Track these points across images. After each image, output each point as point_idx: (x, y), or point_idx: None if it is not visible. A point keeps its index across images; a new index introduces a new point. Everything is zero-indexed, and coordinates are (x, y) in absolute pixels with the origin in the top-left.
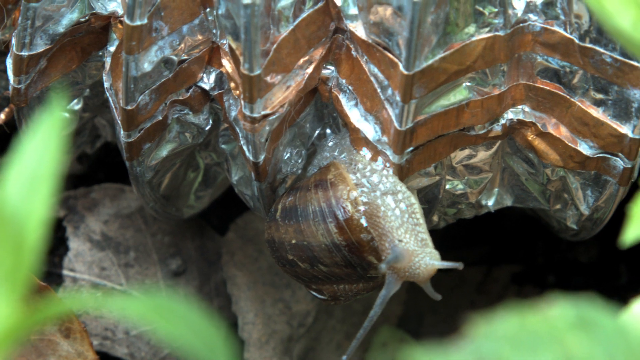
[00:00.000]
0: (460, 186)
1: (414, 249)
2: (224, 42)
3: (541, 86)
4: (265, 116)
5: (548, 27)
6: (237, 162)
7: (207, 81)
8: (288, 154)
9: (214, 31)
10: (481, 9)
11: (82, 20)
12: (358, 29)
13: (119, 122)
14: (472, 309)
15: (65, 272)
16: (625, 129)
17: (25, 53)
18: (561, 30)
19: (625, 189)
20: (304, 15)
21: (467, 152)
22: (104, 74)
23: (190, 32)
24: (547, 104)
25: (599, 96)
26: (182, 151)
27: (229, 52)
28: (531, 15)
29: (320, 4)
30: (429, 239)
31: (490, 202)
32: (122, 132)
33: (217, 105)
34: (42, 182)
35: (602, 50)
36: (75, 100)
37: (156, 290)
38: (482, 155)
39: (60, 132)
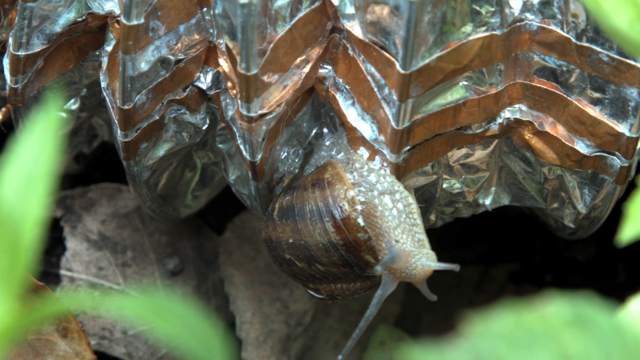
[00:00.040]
0: (458, 185)
1: (411, 249)
2: (221, 41)
3: (538, 85)
4: (262, 115)
5: (545, 26)
6: (234, 161)
7: (204, 81)
8: (285, 153)
9: (211, 31)
10: (478, 8)
11: (79, 19)
12: (355, 28)
13: (116, 121)
14: (469, 308)
15: (62, 272)
16: (622, 128)
17: (22, 53)
18: (558, 30)
19: (622, 188)
20: (300, 14)
21: (464, 151)
22: (100, 74)
23: (187, 31)
24: (544, 102)
25: (596, 95)
26: (179, 151)
27: (226, 51)
28: (528, 15)
29: (317, 4)
30: (426, 240)
31: (488, 201)
32: (119, 131)
33: (214, 105)
34: (38, 182)
35: (599, 49)
36: (72, 100)
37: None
38: (479, 154)
39: (57, 131)
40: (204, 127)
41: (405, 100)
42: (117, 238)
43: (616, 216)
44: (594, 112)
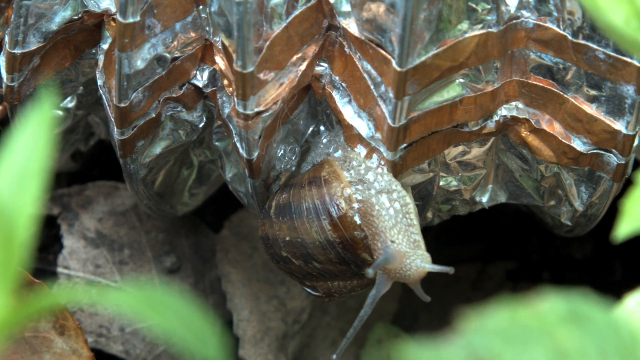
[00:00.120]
0: (454, 183)
1: (406, 250)
2: (217, 39)
3: (534, 83)
4: (259, 113)
5: (541, 23)
6: (231, 159)
7: (201, 78)
8: (282, 151)
9: (207, 28)
10: (474, 5)
11: (75, 18)
12: (351, 25)
13: (113, 119)
14: (466, 306)
15: (59, 269)
16: (618, 125)
17: (18, 51)
18: (554, 27)
19: (619, 185)
20: (296, 12)
21: (460, 148)
22: (97, 72)
23: (183, 29)
24: (541, 100)
25: (593, 92)
26: (175, 148)
27: (222, 49)
28: (524, 12)
29: (313, 1)
30: (422, 241)
31: (485, 199)
32: (115, 129)
33: (210, 103)
34: (31, 177)
35: (595, 46)
36: (69, 98)
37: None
38: (476, 151)
39: (50, 127)
40: (201, 125)
41: (401, 98)
42: (114, 236)
43: (613, 214)
44: (590, 109)
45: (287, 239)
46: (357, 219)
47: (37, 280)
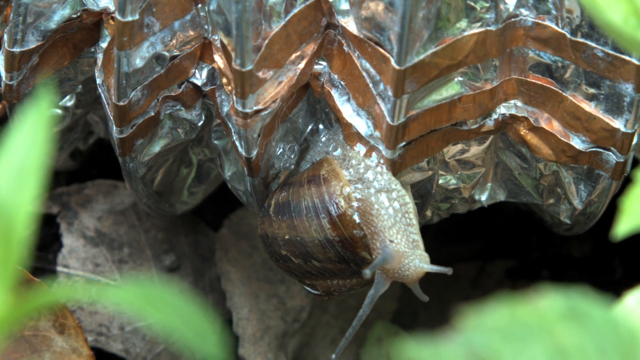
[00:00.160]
0: (453, 181)
1: (405, 250)
2: (216, 37)
3: (533, 81)
4: (258, 111)
5: (540, 21)
6: (230, 157)
7: (199, 77)
8: (281, 150)
9: (206, 27)
10: (472, 3)
11: (74, 16)
12: (350, 24)
13: (112, 118)
14: (466, 304)
15: (59, 268)
16: (617, 123)
17: (17, 49)
18: (553, 25)
19: (618, 183)
20: (295, 10)
21: (459, 146)
22: (96, 70)
23: (182, 28)
24: (539, 98)
25: (591, 90)
26: (174, 147)
27: (221, 47)
28: (523, 10)
29: (311, 0)
30: (420, 241)
31: (484, 197)
32: (114, 128)
33: (209, 101)
34: (29, 175)
35: (593, 44)
36: (68, 97)
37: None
38: (475, 150)
39: (49, 125)
40: (200, 124)
41: (400, 96)
42: (113, 234)
43: (612, 212)
44: (589, 107)
45: (287, 237)
46: (356, 217)
47: (36, 279)
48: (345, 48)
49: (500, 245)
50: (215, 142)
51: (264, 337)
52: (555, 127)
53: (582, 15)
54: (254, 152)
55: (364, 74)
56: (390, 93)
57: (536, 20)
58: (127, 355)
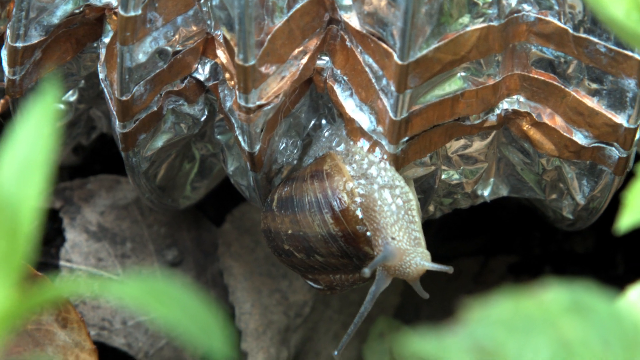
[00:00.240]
0: (456, 176)
1: (406, 248)
2: (219, 33)
3: (536, 76)
4: (260, 106)
5: (542, 17)
6: (233, 152)
7: (202, 72)
8: (283, 145)
9: (209, 22)
10: None
11: (77, 11)
12: (352, 19)
13: (114, 112)
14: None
15: (62, 263)
16: (620, 119)
17: (19, 44)
18: (555, 21)
19: (620, 179)
20: (298, 5)
21: (462, 142)
22: (98, 65)
23: (185, 23)
24: (542, 94)
25: (594, 86)
26: (177, 142)
27: (224, 43)
28: (525, 6)
29: None
30: (422, 238)
31: (486, 192)
32: (117, 122)
33: (212, 96)
34: (35, 169)
35: (596, 40)
36: (71, 92)
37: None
38: (478, 145)
39: (53, 119)
40: (203, 119)
41: (403, 91)
42: (116, 229)
43: (615, 207)
44: (591, 103)
45: (290, 232)
46: (359, 213)
47: (39, 273)
48: (348, 43)
49: (503, 241)
50: (218, 137)
51: (267, 332)
52: (557, 122)
53: (585, 11)
54: (257, 147)
55: (367, 69)
56: (393, 88)
57: (539, 16)
58: (130, 349)
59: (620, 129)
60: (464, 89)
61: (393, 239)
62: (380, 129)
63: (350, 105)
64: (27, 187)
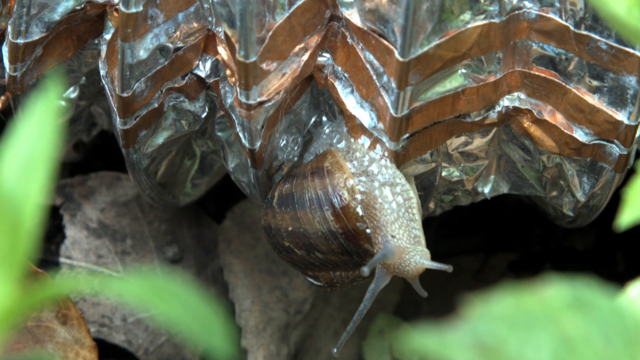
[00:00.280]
0: (457, 173)
1: (406, 246)
2: (220, 29)
3: (537, 73)
4: (261, 103)
5: (543, 14)
6: (233, 149)
7: (203, 69)
8: (284, 141)
9: (210, 19)
10: None
11: (78, 8)
12: (353, 16)
13: (115, 109)
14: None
15: (62, 259)
16: (620, 116)
17: (21, 41)
18: (556, 18)
19: (621, 176)
20: (299, 2)
21: (463, 139)
22: (99, 62)
23: (186, 19)
24: (543, 91)
25: (595, 83)
26: (178, 139)
27: (225, 39)
28: (526, 3)
29: None
30: (422, 237)
31: (487, 189)
32: (118, 119)
33: (213, 93)
34: (37, 165)
35: (597, 37)
36: (72, 88)
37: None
38: (478, 142)
39: (56, 115)
40: (203, 115)
41: (404, 88)
42: (116, 226)
43: (615, 205)
44: (592, 100)
45: (290, 229)
46: (359, 210)
47: (40, 270)
48: (349, 40)
49: (503, 238)
50: (219, 133)
51: (267, 329)
52: (558, 119)
53: (586, 8)
54: (258, 144)
55: (368, 66)
56: (394, 85)
57: (540, 13)
58: (130, 346)
59: (620, 126)
60: (465, 85)
61: (393, 236)
62: (381, 125)
63: (351, 102)
64: (29, 183)
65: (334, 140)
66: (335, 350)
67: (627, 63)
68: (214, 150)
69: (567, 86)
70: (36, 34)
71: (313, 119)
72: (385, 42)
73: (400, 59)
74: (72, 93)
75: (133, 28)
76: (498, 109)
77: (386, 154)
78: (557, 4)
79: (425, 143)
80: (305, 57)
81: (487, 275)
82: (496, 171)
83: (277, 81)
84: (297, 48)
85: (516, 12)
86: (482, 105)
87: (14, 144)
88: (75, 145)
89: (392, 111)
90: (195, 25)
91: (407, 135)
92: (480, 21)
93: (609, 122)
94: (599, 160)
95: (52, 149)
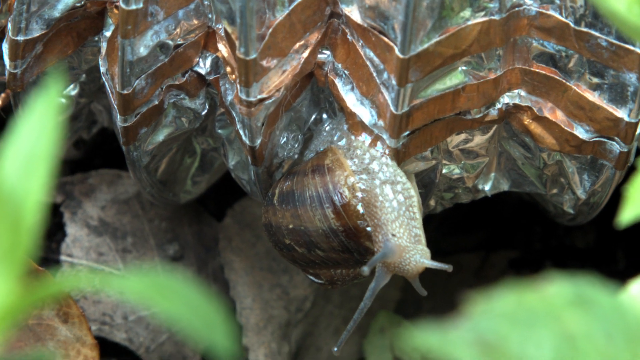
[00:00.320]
0: (457, 170)
1: (406, 245)
2: (220, 26)
3: (537, 70)
4: (262, 100)
5: (543, 11)
6: (234, 147)
7: (203, 66)
8: (284, 139)
9: (210, 16)
10: None
11: (78, 5)
12: (353, 13)
13: (115, 106)
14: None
15: (63, 257)
16: (621, 113)
17: (21, 38)
18: (556, 14)
19: (621, 173)
20: None
21: (463, 136)
22: (100, 59)
23: (186, 16)
24: (543, 88)
25: (595, 80)
26: (178, 136)
27: (225, 36)
28: (526, 0)
29: None
30: (423, 235)
31: (487, 187)
32: (118, 116)
33: (213, 90)
34: (38, 162)
35: (597, 34)
36: (72, 86)
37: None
38: (479, 139)
39: (57, 112)
40: (204, 113)
41: (404, 85)
42: (117, 224)
43: (616, 202)
44: (592, 97)
45: (290, 226)
46: (360, 208)
47: (40, 268)
48: (349, 37)
49: (504, 236)
50: (219, 131)
51: (267, 327)
52: (559, 116)
53: (586, 5)
54: (258, 141)
55: (368, 62)
56: (394, 82)
57: (540, 10)
58: (131, 344)
59: (621, 123)
60: (465, 82)
61: (393, 235)
62: (381, 123)
63: (351, 99)
64: (30, 181)
65: (335, 138)
66: (335, 348)
67: (628, 60)
68: (215, 147)
69: (568, 83)
70: (36, 31)
71: (313, 117)
72: (386, 39)
73: (401, 56)
74: (73, 90)
75: (133, 25)
76: (498, 106)
77: (387, 151)
78: (557, 1)
79: (426, 140)
80: (306, 54)
81: (488, 272)
82: (497, 168)
83: (278, 78)
84: (297, 45)
85: (516, 9)
86: (482, 103)
87: (14, 141)
88: (75, 142)
89: (392, 108)
90: (196, 22)
91: (407, 132)
92: (480, 18)
93: (610, 120)
94: (599, 158)
95: (53, 147)
